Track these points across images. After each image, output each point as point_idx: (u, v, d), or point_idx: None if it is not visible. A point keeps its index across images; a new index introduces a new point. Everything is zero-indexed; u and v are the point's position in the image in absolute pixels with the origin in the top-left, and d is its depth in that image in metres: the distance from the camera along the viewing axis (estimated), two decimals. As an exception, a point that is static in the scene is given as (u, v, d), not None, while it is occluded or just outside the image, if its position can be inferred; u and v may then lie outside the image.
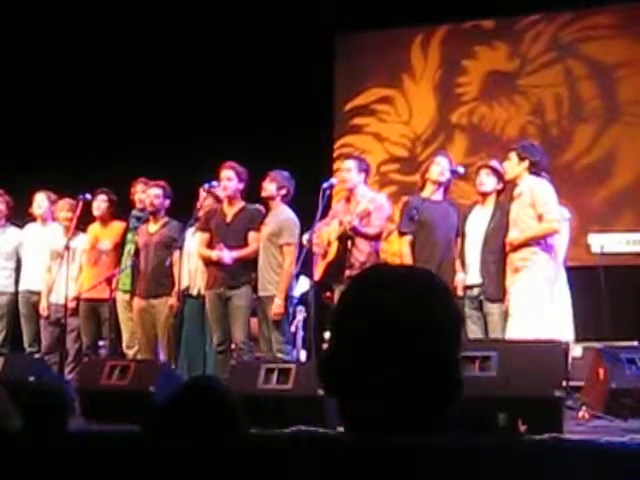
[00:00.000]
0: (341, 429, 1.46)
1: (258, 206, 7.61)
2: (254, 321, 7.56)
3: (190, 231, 7.89)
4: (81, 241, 8.41)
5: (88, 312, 8.19)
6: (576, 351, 7.73)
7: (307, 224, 7.30)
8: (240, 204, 7.58)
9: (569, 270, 7.15)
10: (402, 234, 7.25)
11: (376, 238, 7.22)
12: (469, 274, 7.01)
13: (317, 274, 7.27)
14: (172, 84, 10.42)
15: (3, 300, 8.60)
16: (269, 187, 7.44)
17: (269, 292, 7.29)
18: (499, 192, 7.12)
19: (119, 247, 8.28)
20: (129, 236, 8.27)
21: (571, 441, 4.88)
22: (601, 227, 9.40)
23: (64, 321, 8.19)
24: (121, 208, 8.50)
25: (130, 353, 7.96)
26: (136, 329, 7.94)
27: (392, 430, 1.37)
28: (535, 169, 6.70)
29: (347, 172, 7.31)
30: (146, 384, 6.25)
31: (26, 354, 8.21)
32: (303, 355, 8.10)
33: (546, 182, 6.69)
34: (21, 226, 8.81)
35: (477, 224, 7.06)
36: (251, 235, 7.47)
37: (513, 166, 6.77)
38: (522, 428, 5.03)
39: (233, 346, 7.37)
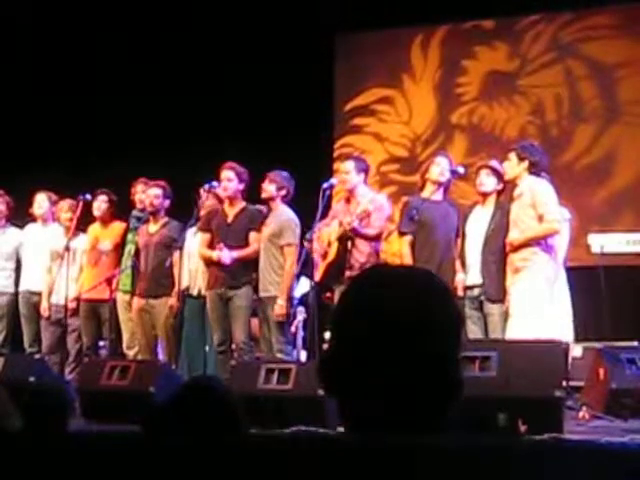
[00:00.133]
0: (341, 429, 1.46)
1: (259, 207, 7.62)
2: (254, 321, 7.56)
3: (191, 231, 7.89)
4: (81, 242, 8.41)
5: (88, 312, 8.19)
6: (576, 351, 7.73)
7: (307, 224, 7.30)
8: (241, 204, 7.58)
9: (569, 270, 7.15)
10: (402, 234, 7.25)
11: (376, 239, 7.22)
12: (469, 274, 7.01)
13: (317, 275, 7.27)
14: (172, 84, 10.42)
15: (3, 300, 8.60)
16: (269, 188, 7.44)
17: (270, 293, 7.29)
18: (499, 192, 7.12)
19: (119, 247, 8.28)
20: (129, 236, 8.27)
21: (571, 441, 4.88)
22: (601, 227, 9.40)
23: (65, 321, 8.20)
24: (121, 208, 8.49)
25: (130, 353, 7.96)
26: (136, 329, 7.94)
27: (392, 430, 1.37)
28: (535, 169, 6.70)
29: (346, 174, 7.31)
30: (146, 384, 6.25)
31: (26, 354, 8.20)
32: (303, 355, 8.10)
33: (546, 182, 6.69)
34: (21, 226, 8.81)
35: (477, 224, 7.06)
36: (252, 235, 7.47)
37: (513, 166, 6.77)
38: (522, 428, 5.03)
39: (234, 346, 7.37)
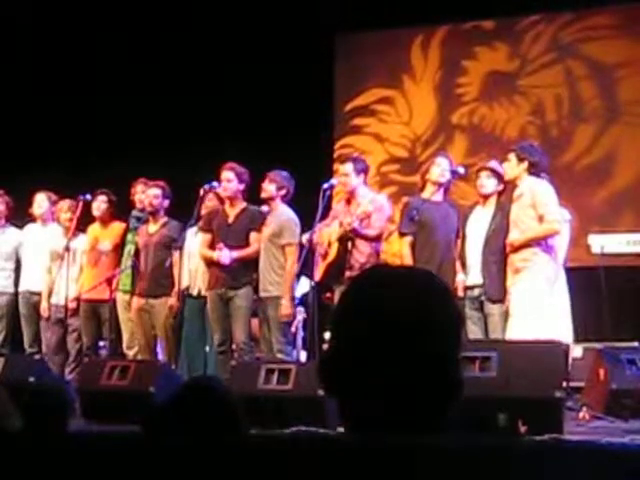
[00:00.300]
0: (341, 429, 1.45)
1: (261, 208, 7.62)
2: (255, 322, 7.56)
3: (191, 231, 7.89)
4: (81, 242, 8.40)
5: (88, 312, 8.19)
6: (576, 352, 7.72)
7: (307, 224, 7.30)
8: (242, 205, 7.58)
9: (569, 271, 7.14)
10: (402, 235, 7.25)
11: (376, 239, 7.22)
12: (470, 275, 7.01)
13: (317, 275, 7.27)
14: (172, 84, 10.42)
15: (3, 300, 8.60)
16: (268, 188, 7.44)
17: (270, 293, 7.30)
18: (500, 193, 7.12)
19: (119, 248, 8.27)
20: (129, 236, 8.26)
21: (571, 442, 4.88)
22: (601, 228, 9.39)
23: (65, 322, 8.19)
24: (121, 208, 8.49)
25: (130, 354, 7.96)
26: (135, 329, 7.94)
27: (392, 430, 1.37)
28: (534, 170, 6.70)
29: (346, 176, 7.30)
30: (146, 384, 6.25)
31: (26, 355, 8.20)
32: (303, 356, 8.09)
33: (546, 183, 6.69)
34: (21, 226, 8.80)
35: (478, 225, 7.06)
36: (252, 236, 7.47)
37: (512, 167, 6.77)
38: (522, 429, 5.03)
39: (234, 346, 7.37)
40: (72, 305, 8.15)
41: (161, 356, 7.90)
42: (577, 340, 7.42)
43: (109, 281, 7.98)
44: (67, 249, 8.17)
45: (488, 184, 7.08)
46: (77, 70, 10.63)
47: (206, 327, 7.73)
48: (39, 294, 8.48)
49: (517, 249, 6.59)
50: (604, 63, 9.86)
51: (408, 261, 7.07)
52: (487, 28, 10.44)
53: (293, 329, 7.78)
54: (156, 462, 1.40)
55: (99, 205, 8.33)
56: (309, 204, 7.26)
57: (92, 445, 1.48)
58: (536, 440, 4.85)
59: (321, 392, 5.26)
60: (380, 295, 1.43)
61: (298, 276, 7.51)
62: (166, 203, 8.01)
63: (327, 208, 7.47)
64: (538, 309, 6.38)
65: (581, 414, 6.06)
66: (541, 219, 6.54)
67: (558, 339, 5.98)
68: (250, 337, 7.45)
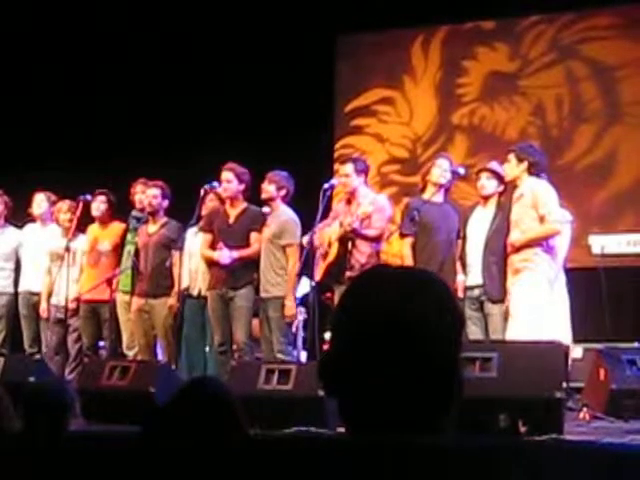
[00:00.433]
0: (342, 430, 1.45)
1: (263, 208, 7.62)
2: (255, 322, 7.56)
3: (191, 231, 7.89)
4: (81, 242, 8.39)
5: (88, 313, 8.18)
6: (577, 352, 7.72)
7: (308, 225, 7.30)
8: (243, 205, 7.58)
9: (570, 271, 7.14)
10: (403, 236, 7.26)
11: (377, 240, 7.22)
12: (470, 275, 7.01)
13: (317, 275, 7.27)
14: (172, 84, 10.42)
15: (2, 301, 8.59)
16: (268, 188, 7.44)
17: (271, 293, 7.30)
18: (500, 194, 7.12)
19: (118, 248, 8.27)
20: (129, 237, 8.25)
21: (571, 442, 4.89)
22: (602, 228, 9.39)
23: (66, 322, 8.19)
24: (121, 209, 8.48)
25: (130, 354, 7.96)
26: (134, 330, 7.93)
27: (392, 430, 1.37)
28: (534, 169, 6.70)
29: (346, 177, 7.31)
30: (146, 385, 6.25)
31: (26, 355, 8.20)
32: (304, 356, 8.10)
33: (547, 183, 6.69)
34: (21, 226, 8.80)
35: (479, 225, 7.06)
36: (253, 236, 7.48)
37: (512, 168, 6.77)
38: (523, 429, 5.03)
39: (234, 347, 7.37)
40: (72, 306, 8.15)
41: (161, 356, 7.90)
42: (577, 340, 7.42)
43: (109, 281, 7.98)
44: (67, 249, 8.17)
45: (488, 185, 7.09)
46: (76, 70, 10.63)
47: (206, 327, 7.73)
48: (39, 294, 8.48)
49: (518, 249, 6.59)
50: (605, 64, 9.86)
51: (409, 262, 7.07)
52: (487, 28, 10.44)
53: (293, 329, 7.79)
54: (156, 462, 1.40)
55: (98, 205, 8.32)
56: (309, 204, 7.26)
57: (92, 445, 1.49)
58: (536, 440, 4.86)
59: (321, 392, 5.26)
60: (380, 296, 1.43)
61: (299, 276, 7.51)
62: (165, 203, 8.00)
63: (327, 208, 7.47)
64: (538, 310, 6.39)
65: (581, 414, 6.06)
66: (542, 219, 6.54)
67: (558, 339, 5.98)
68: (250, 337, 7.45)
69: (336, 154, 10.69)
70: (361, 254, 7.14)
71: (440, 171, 7.22)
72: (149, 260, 7.88)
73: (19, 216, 8.84)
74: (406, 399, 1.38)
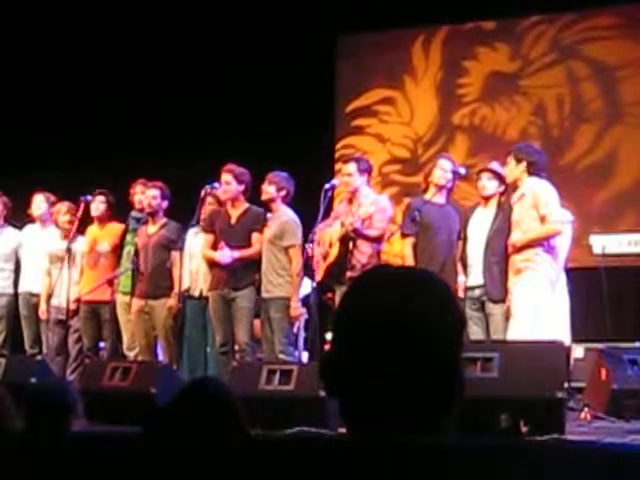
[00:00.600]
0: (343, 430, 1.46)
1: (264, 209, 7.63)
2: (256, 322, 7.56)
3: (192, 232, 7.90)
4: (81, 244, 8.38)
5: (88, 314, 8.18)
6: (578, 352, 7.73)
7: (309, 225, 7.30)
8: (244, 206, 7.57)
9: (571, 271, 7.14)
10: (404, 236, 7.26)
11: (378, 240, 7.22)
12: (471, 275, 7.01)
13: (318, 275, 7.27)
14: (172, 84, 10.42)
15: (2, 302, 8.59)
16: (268, 189, 7.44)
17: (272, 294, 7.30)
18: (501, 194, 7.12)
19: (118, 249, 8.25)
20: (128, 237, 8.25)
21: (573, 442, 4.89)
22: (603, 228, 9.39)
23: (67, 323, 8.19)
24: (120, 209, 8.47)
25: (131, 355, 7.96)
26: (135, 331, 7.93)
27: (393, 431, 1.37)
28: (534, 169, 6.69)
29: (349, 176, 7.31)
30: (148, 385, 6.25)
31: (28, 356, 8.20)
32: (305, 356, 8.10)
33: (548, 183, 6.68)
34: (20, 227, 8.79)
35: (479, 225, 7.06)
36: (254, 236, 7.47)
37: (512, 169, 6.77)
38: (524, 429, 5.03)
39: (236, 347, 7.37)
40: (73, 307, 8.14)
41: (161, 357, 7.90)
42: (578, 340, 7.42)
43: (110, 282, 7.97)
44: (69, 250, 8.16)
45: (489, 186, 7.08)
46: (76, 70, 10.63)
47: (208, 328, 7.73)
48: (39, 295, 8.47)
49: (519, 250, 6.59)
50: (606, 64, 9.86)
51: (410, 262, 7.07)
52: (488, 29, 10.44)
53: (295, 330, 7.79)
54: (157, 463, 1.41)
55: (97, 205, 8.30)
56: (310, 205, 7.26)
57: (94, 445, 1.49)
58: (538, 440, 4.86)
59: (323, 393, 5.26)
60: (381, 296, 1.43)
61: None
62: (165, 204, 7.99)
63: (328, 209, 7.47)
64: (539, 310, 6.38)
65: (583, 414, 6.05)
66: (543, 220, 6.54)
67: (560, 339, 5.98)
68: (252, 338, 7.45)
69: (337, 154, 10.69)
70: (362, 254, 7.14)
71: (441, 172, 7.22)
72: (149, 261, 7.88)
73: (19, 217, 8.83)
74: (407, 399, 1.39)
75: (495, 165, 7.14)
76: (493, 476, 1.30)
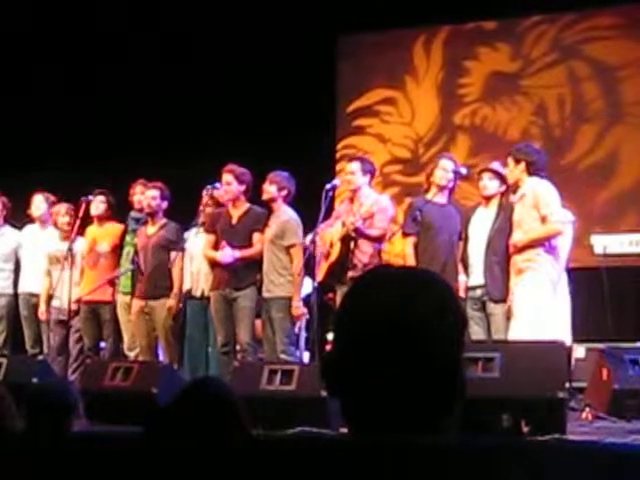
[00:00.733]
0: (344, 430, 1.46)
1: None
2: (257, 322, 7.56)
3: (192, 233, 7.90)
4: (81, 245, 8.37)
5: (88, 314, 8.18)
6: (579, 352, 7.73)
7: (310, 226, 7.30)
8: (245, 206, 7.57)
9: (572, 271, 7.13)
10: (406, 235, 7.26)
11: (379, 240, 7.22)
12: (472, 275, 7.01)
13: (319, 275, 7.27)
14: (172, 84, 10.42)
15: (2, 302, 8.59)
16: (269, 189, 7.44)
17: (273, 293, 7.30)
18: (502, 194, 7.12)
19: (117, 249, 8.25)
20: (127, 238, 8.24)
21: (574, 442, 4.89)
22: (604, 228, 9.39)
23: (68, 323, 8.18)
24: (120, 210, 8.46)
25: (131, 355, 7.96)
26: (135, 331, 7.93)
27: (395, 431, 1.37)
28: (533, 169, 6.68)
29: (351, 174, 7.31)
30: (149, 385, 6.25)
31: (29, 356, 8.20)
32: (306, 356, 8.09)
33: (548, 183, 6.68)
34: (20, 227, 8.79)
35: (481, 225, 7.05)
36: (256, 236, 7.47)
37: (512, 170, 6.78)
38: (525, 429, 5.03)
39: (238, 347, 7.37)
40: (74, 307, 8.14)
41: (162, 357, 7.90)
42: (580, 340, 7.42)
43: (111, 282, 7.97)
44: (70, 250, 8.15)
45: (490, 185, 7.08)
46: (76, 70, 10.63)
47: (209, 328, 7.73)
48: (38, 296, 8.47)
49: (521, 250, 6.58)
50: (607, 63, 9.86)
51: (411, 261, 7.08)
52: (489, 28, 10.44)
53: (296, 330, 7.79)
54: (159, 463, 1.40)
55: (97, 205, 8.29)
56: (311, 205, 7.26)
57: (95, 446, 1.49)
58: (539, 440, 4.86)
59: (324, 393, 5.26)
60: (382, 296, 1.43)
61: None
62: (164, 205, 7.99)
63: (329, 209, 7.47)
64: (540, 310, 6.38)
65: (584, 414, 6.05)
66: (544, 220, 6.54)
67: (561, 340, 5.98)
68: (253, 338, 7.45)
69: (338, 155, 10.70)
70: (363, 254, 7.14)
71: (442, 172, 7.22)
72: (148, 261, 7.88)
73: (18, 217, 8.83)
74: (408, 399, 1.38)
75: (496, 165, 7.14)
76: (493, 476, 1.30)
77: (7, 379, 6.51)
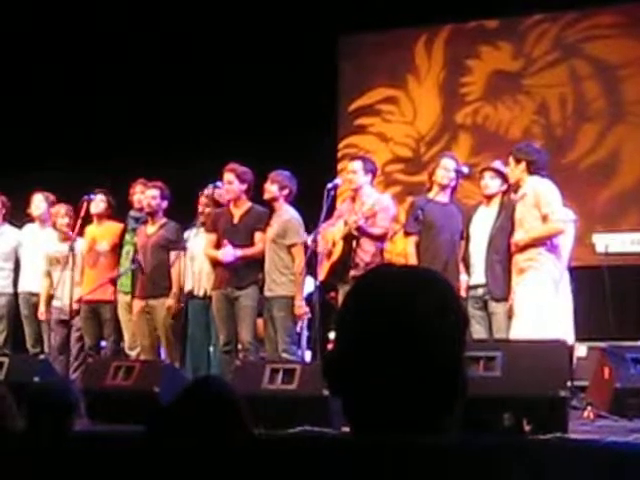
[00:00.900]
0: (346, 429, 1.46)
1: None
2: (259, 322, 7.56)
3: (193, 232, 7.90)
4: (81, 245, 8.37)
5: (89, 313, 8.18)
6: (581, 351, 7.72)
7: (311, 225, 7.30)
8: (247, 205, 7.57)
9: (574, 270, 7.14)
10: (407, 234, 7.26)
11: (381, 239, 7.22)
12: (474, 274, 7.01)
13: (321, 274, 7.27)
14: (172, 84, 10.42)
15: (2, 301, 8.59)
16: (271, 188, 7.44)
17: (275, 292, 7.30)
18: (504, 193, 7.12)
19: (117, 248, 8.25)
20: (127, 237, 8.24)
21: (576, 441, 4.88)
22: (606, 227, 9.39)
23: (70, 322, 8.19)
24: (120, 209, 8.46)
25: (132, 354, 7.96)
26: (136, 331, 7.93)
27: (396, 430, 1.37)
28: (534, 168, 6.68)
29: (353, 174, 7.31)
30: (151, 384, 6.25)
31: (31, 355, 8.20)
32: (308, 355, 8.10)
33: (549, 182, 6.68)
34: (20, 227, 8.79)
35: (482, 224, 7.05)
36: (257, 235, 7.47)
37: (512, 170, 6.78)
38: (527, 428, 5.03)
39: (239, 346, 7.37)
40: (75, 307, 8.14)
41: (164, 357, 7.90)
42: (581, 339, 7.42)
43: (111, 281, 7.98)
44: (72, 250, 8.15)
45: (492, 184, 7.08)
46: (76, 70, 10.63)
47: (211, 327, 7.73)
48: (38, 295, 8.47)
49: (522, 249, 6.58)
50: (608, 62, 9.85)
51: (413, 260, 7.08)
52: (491, 27, 10.43)
53: (298, 329, 7.79)
54: (160, 462, 1.40)
55: (97, 204, 8.29)
56: (312, 204, 7.26)
57: (97, 445, 1.49)
58: (541, 439, 4.86)
59: (326, 392, 5.26)
60: (384, 295, 1.43)
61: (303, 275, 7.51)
62: (164, 204, 7.98)
63: (331, 208, 7.46)
64: (542, 309, 6.38)
65: (586, 413, 6.05)
66: (545, 219, 6.53)
67: (563, 338, 5.97)
68: (255, 337, 7.45)
69: (339, 154, 10.70)
70: (365, 253, 7.14)
71: (444, 171, 7.22)
72: (148, 261, 7.88)
73: (18, 216, 8.82)
74: (409, 398, 1.38)
75: (498, 164, 7.13)
76: (494, 475, 1.30)
77: (8, 378, 6.52)
